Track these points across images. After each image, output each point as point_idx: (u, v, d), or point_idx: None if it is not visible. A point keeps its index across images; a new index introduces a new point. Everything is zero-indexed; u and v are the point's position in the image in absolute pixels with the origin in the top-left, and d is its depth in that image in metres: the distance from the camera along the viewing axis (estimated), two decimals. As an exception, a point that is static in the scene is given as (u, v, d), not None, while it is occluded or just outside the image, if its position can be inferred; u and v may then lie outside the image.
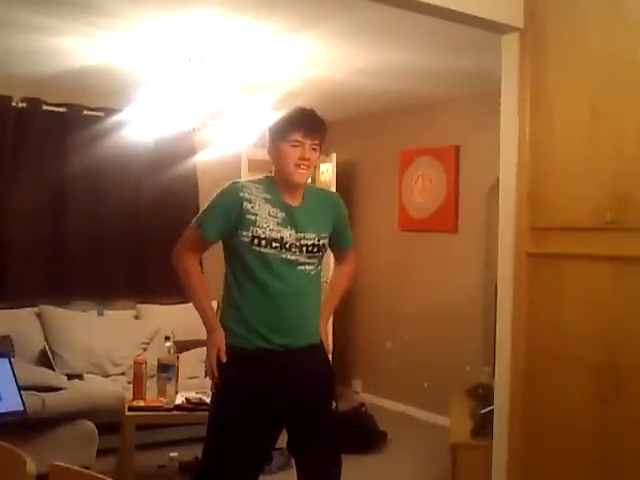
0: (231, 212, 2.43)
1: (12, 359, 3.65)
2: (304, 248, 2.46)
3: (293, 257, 2.44)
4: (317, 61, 4.42)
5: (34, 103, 5.07)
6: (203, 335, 2.54)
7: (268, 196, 2.45)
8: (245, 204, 2.41)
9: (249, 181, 2.52)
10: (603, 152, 2.86)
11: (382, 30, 3.76)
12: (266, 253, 2.41)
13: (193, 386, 4.24)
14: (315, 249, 2.49)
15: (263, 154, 6.01)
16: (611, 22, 2.85)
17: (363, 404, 5.20)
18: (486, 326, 4.64)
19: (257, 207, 2.42)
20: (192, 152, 5.65)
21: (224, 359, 2.43)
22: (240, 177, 6.03)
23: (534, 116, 3.13)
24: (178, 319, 5.03)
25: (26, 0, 3.39)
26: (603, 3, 2.90)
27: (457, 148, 5.48)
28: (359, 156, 6.30)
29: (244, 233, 2.41)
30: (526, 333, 3.16)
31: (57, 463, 1.66)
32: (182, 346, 4.58)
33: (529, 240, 3.16)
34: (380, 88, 5.16)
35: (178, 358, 4.02)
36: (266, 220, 2.42)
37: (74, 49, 4.17)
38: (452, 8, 2.94)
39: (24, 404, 3.42)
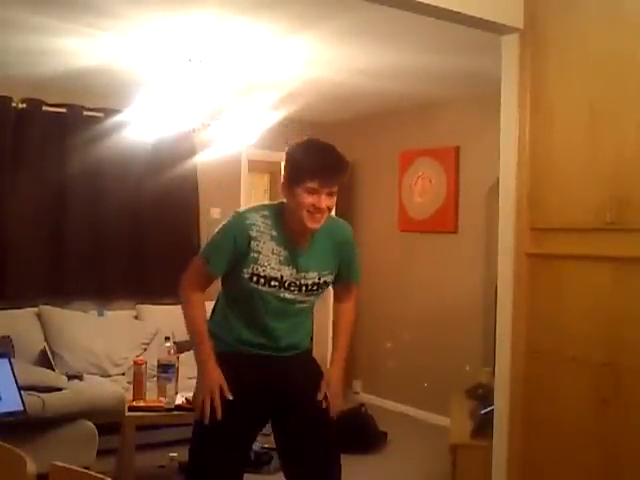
0: (239, 248, 2.32)
1: (12, 359, 3.65)
2: (303, 287, 2.38)
3: (291, 296, 2.37)
4: (317, 62, 4.42)
5: (34, 104, 5.08)
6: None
7: (274, 233, 2.33)
8: (252, 243, 2.31)
9: (257, 213, 2.36)
10: (603, 153, 2.86)
11: (382, 31, 3.76)
12: (264, 291, 2.34)
13: (193, 386, 4.23)
14: (315, 287, 2.41)
15: (263, 154, 6.02)
16: (611, 23, 2.86)
17: (363, 404, 5.20)
18: (486, 326, 4.65)
19: (262, 245, 2.32)
20: (192, 153, 5.66)
21: (228, 396, 2.35)
22: (240, 177, 6.09)
23: (534, 117, 3.14)
24: (178, 320, 4.96)
25: (26, 1, 3.39)
26: (603, 4, 2.90)
27: (457, 149, 5.49)
28: (359, 157, 6.30)
29: (244, 270, 2.33)
30: (526, 333, 3.16)
31: (57, 463, 1.66)
32: (182, 346, 4.58)
33: (529, 241, 3.16)
34: (380, 89, 5.16)
35: (178, 358, 4.02)
36: (268, 258, 2.32)
37: (74, 50, 4.18)
38: (452, 9, 2.94)
39: (24, 404, 3.43)
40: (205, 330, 2.40)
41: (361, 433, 4.82)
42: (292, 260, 2.36)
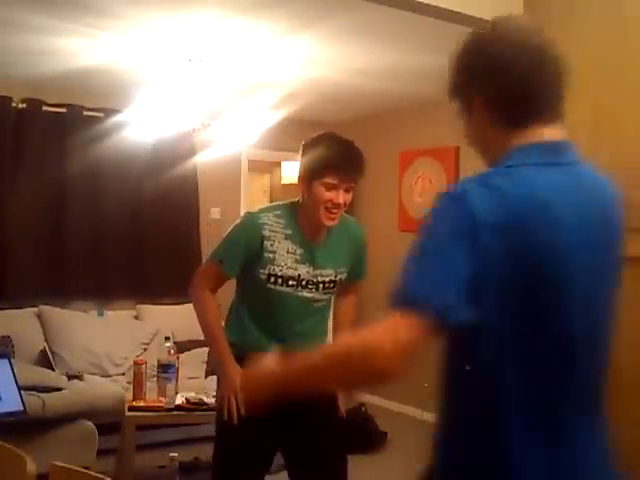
0: (251, 248, 2.30)
1: (12, 359, 3.65)
2: (320, 285, 2.37)
3: (309, 294, 2.36)
4: (317, 62, 4.42)
5: (34, 104, 5.08)
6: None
7: (289, 232, 2.33)
8: (265, 242, 2.30)
9: (270, 213, 2.35)
10: (604, 153, 2.86)
11: (382, 31, 3.77)
12: (282, 291, 2.33)
13: (193, 386, 4.24)
14: (332, 285, 2.41)
15: (263, 154, 6.00)
16: (612, 22, 2.85)
17: (363, 404, 5.20)
18: (486, 326, 4.64)
19: (276, 244, 2.31)
20: (192, 152, 5.66)
21: (241, 408, 2.29)
22: (240, 177, 6.09)
23: (534, 117, 3.13)
24: (178, 319, 5.03)
25: (26, 1, 3.40)
26: (604, 4, 2.90)
27: (457, 149, 5.49)
28: (359, 156, 6.31)
29: (261, 270, 2.31)
30: (526, 333, 3.16)
31: (57, 463, 1.66)
32: (182, 346, 4.58)
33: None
34: (380, 89, 5.16)
35: (178, 358, 4.02)
36: (284, 258, 2.31)
37: (74, 50, 4.18)
38: (452, 9, 2.94)
39: (24, 404, 3.43)
40: (220, 332, 2.38)
41: (361, 433, 4.82)
42: (308, 258, 2.34)
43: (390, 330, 1.14)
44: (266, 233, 2.30)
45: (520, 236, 1.16)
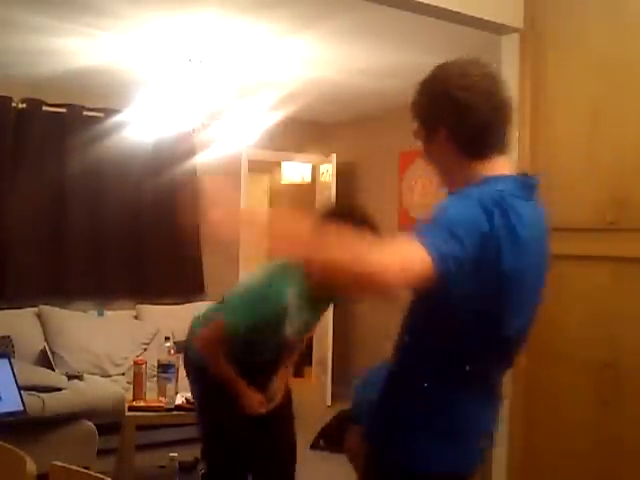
0: None
1: (12, 359, 3.65)
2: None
3: None
4: (317, 62, 4.42)
5: (34, 104, 5.07)
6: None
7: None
8: None
9: None
10: (604, 153, 2.86)
11: (382, 30, 3.76)
12: None
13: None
14: None
15: (263, 154, 6.01)
16: (611, 22, 2.85)
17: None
18: (486, 326, 4.63)
19: None
20: (192, 153, 5.65)
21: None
22: (240, 177, 6.08)
23: (534, 117, 3.13)
24: (178, 319, 5.02)
25: (26, 1, 3.40)
26: (603, 4, 2.90)
27: (457, 149, 5.48)
28: (359, 157, 6.30)
29: None
30: (526, 333, 3.16)
31: (57, 463, 1.66)
32: (182, 346, 4.56)
33: (529, 240, 3.16)
34: (380, 88, 5.16)
35: (178, 358, 4.01)
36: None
37: (74, 50, 4.17)
38: (452, 9, 2.94)
39: (24, 404, 3.42)
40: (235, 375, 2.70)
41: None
42: None
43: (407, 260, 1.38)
44: None
45: (500, 256, 1.51)
